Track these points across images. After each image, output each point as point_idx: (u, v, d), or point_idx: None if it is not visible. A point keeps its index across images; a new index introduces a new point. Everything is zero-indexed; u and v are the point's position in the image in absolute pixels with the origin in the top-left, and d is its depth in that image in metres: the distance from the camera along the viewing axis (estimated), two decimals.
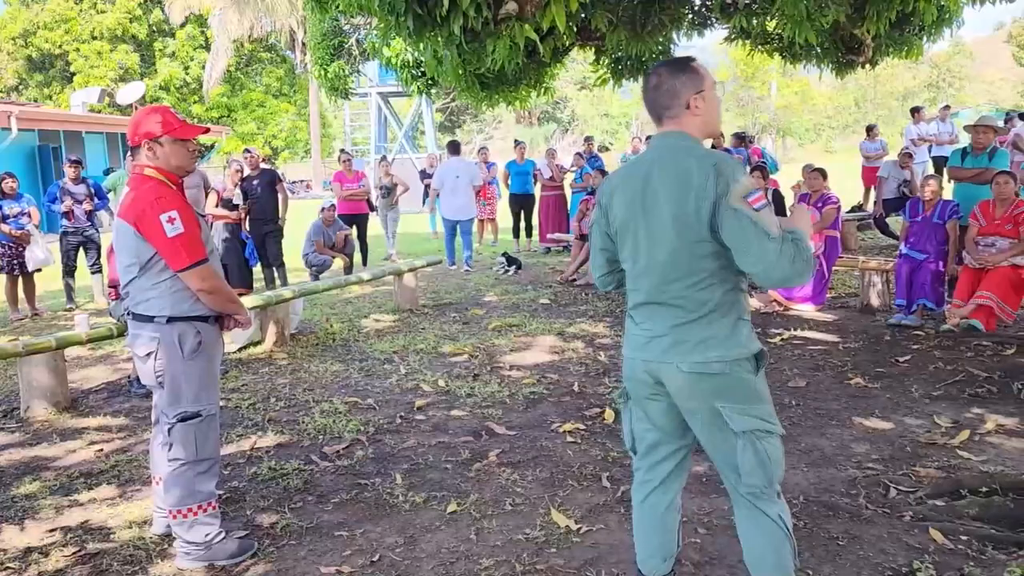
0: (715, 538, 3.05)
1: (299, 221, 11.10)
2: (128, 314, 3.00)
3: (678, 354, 2.19)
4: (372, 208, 11.36)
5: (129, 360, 5.65)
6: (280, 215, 8.82)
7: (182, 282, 2.89)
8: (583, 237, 9.15)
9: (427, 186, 14.09)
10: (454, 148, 11.30)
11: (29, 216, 8.18)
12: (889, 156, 12.39)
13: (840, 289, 7.78)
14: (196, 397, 2.96)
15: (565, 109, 48.03)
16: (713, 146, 11.31)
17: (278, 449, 4.21)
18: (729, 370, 2.16)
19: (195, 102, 34.58)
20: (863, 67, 7.60)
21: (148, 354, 2.93)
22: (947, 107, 14.28)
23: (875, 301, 6.91)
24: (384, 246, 11.92)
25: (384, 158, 14.85)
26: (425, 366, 5.72)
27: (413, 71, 8.53)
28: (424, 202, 15.17)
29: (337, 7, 5.72)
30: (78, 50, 33.01)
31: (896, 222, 9.69)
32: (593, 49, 7.28)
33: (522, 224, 12.15)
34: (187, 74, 34.55)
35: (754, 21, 6.38)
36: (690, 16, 6.86)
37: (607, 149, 34.59)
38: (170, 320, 2.90)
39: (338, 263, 9.80)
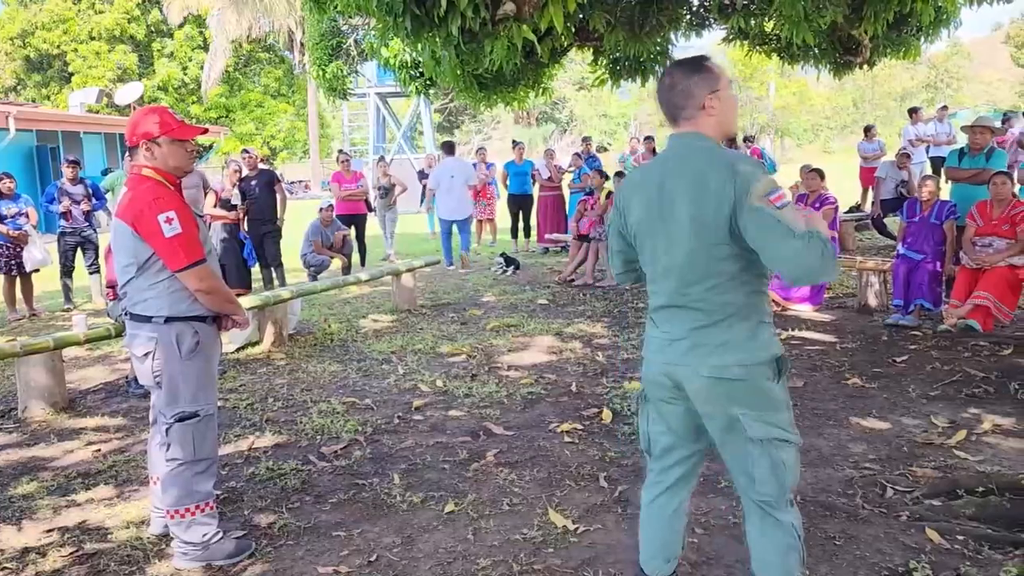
0: (712, 538, 3.05)
1: (298, 221, 11.10)
2: (126, 314, 3.00)
3: (697, 357, 2.17)
4: (370, 208, 11.36)
5: (127, 360, 5.65)
6: (278, 215, 8.83)
7: (180, 282, 2.89)
8: (581, 237, 9.16)
9: (425, 186, 14.10)
10: (449, 148, 11.47)
11: (27, 216, 8.17)
12: (887, 157, 12.40)
13: (838, 289, 7.79)
14: (194, 397, 2.96)
15: (563, 109, 48.06)
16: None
17: (276, 449, 4.21)
18: (748, 375, 2.13)
19: (193, 102, 34.58)
20: (861, 68, 7.62)
21: (146, 354, 2.93)
22: (945, 108, 14.31)
23: (873, 301, 6.92)
24: (382, 246, 11.92)
25: (382, 158, 14.85)
26: (423, 366, 5.72)
27: (411, 71, 8.53)
28: (421, 202, 15.19)
29: (335, 7, 5.72)
30: (76, 50, 33.00)
31: (894, 222, 9.71)
32: (591, 50, 7.29)
33: (520, 224, 12.16)
34: (185, 74, 34.55)
35: (752, 22, 6.40)
36: (688, 17, 6.88)
37: (605, 150, 34.53)
38: (168, 320, 2.90)
39: (336, 263, 9.81)
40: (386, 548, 3.09)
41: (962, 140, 7.25)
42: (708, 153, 2.16)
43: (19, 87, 34.42)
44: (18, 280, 8.28)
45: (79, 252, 8.69)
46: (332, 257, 9.64)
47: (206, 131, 3.45)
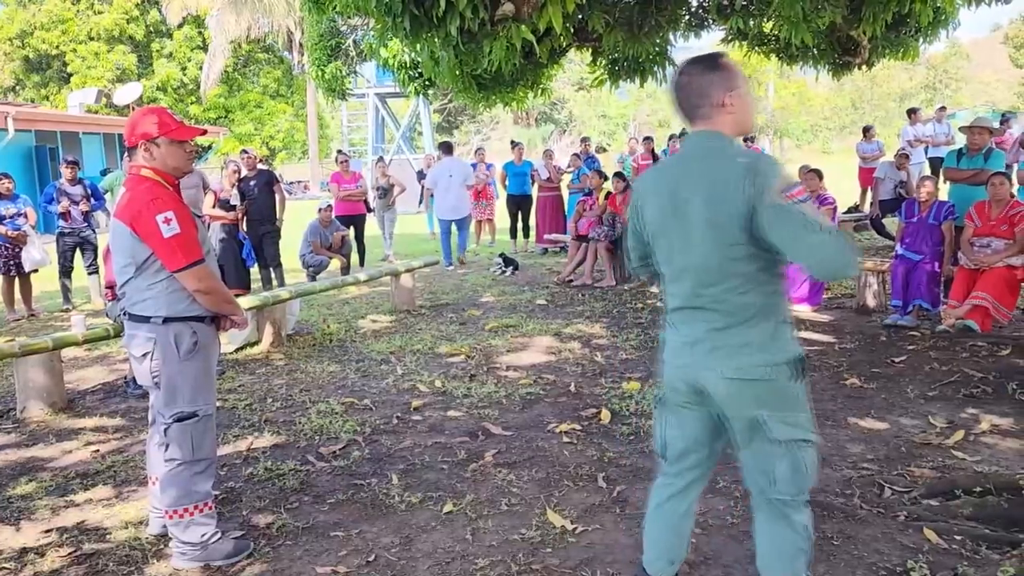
0: (710, 538, 3.06)
1: (297, 222, 11.10)
2: (124, 314, 3.00)
3: (718, 359, 2.14)
4: (369, 209, 11.37)
5: (126, 361, 5.65)
6: (277, 216, 8.83)
7: (178, 282, 2.89)
8: (580, 238, 9.16)
9: (424, 187, 14.11)
10: (447, 148, 11.54)
11: (25, 217, 8.17)
12: (886, 157, 12.42)
13: (836, 290, 7.79)
14: (192, 397, 2.96)
15: (563, 110, 48.07)
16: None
17: (274, 449, 4.21)
18: (771, 376, 2.11)
19: (192, 103, 34.57)
20: (859, 68, 7.63)
21: (144, 354, 2.93)
22: (943, 108, 14.33)
23: (871, 302, 6.93)
24: (381, 247, 11.92)
25: (381, 159, 14.85)
26: (422, 367, 5.73)
27: (410, 72, 8.55)
28: (420, 203, 15.19)
29: (334, 8, 5.73)
30: (75, 51, 32.99)
31: (892, 223, 9.71)
32: (590, 50, 7.30)
33: (519, 225, 12.16)
34: (184, 75, 34.54)
35: (751, 22, 6.41)
36: (687, 17, 6.89)
37: (604, 150, 34.57)
38: (166, 320, 2.90)
39: (335, 264, 9.81)
40: (384, 548, 3.09)
41: (960, 141, 7.25)
42: (725, 152, 2.13)
43: (18, 87, 34.42)
44: (17, 280, 8.28)
45: (78, 252, 8.69)
46: (331, 257, 9.64)
47: (205, 132, 3.46)
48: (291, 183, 30.96)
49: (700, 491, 2.43)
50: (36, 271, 8.40)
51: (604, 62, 7.32)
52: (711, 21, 6.94)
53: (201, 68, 33.01)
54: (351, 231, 10.32)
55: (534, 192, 12.10)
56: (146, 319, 2.91)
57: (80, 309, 8.48)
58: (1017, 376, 4.82)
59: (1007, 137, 11.17)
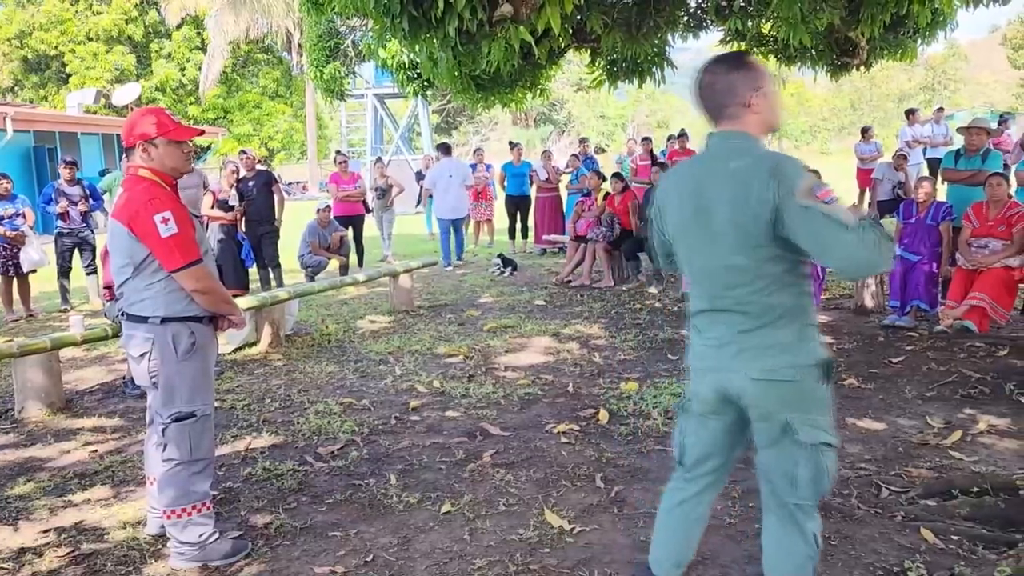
0: (708, 538, 3.04)
1: (295, 222, 11.10)
2: (122, 315, 3.00)
3: (745, 361, 2.11)
4: (368, 209, 11.37)
5: (124, 361, 5.64)
6: (276, 216, 8.83)
7: (176, 283, 2.89)
8: (579, 239, 9.17)
9: (423, 187, 14.13)
10: (446, 149, 11.59)
11: (24, 217, 8.17)
12: (884, 158, 12.44)
13: (834, 290, 7.80)
14: (190, 398, 2.97)
15: (561, 111, 48.12)
16: None
17: (273, 450, 4.21)
18: (799, 377, 2.09)
19: (191, 103, 34.58)
20: (858, 69, 7.64)
21: (142, 354, 2.93)
22: (941, 109, 14.36)
23: (869, 302, 6.94)
24: (380, 247, 11.93)
25: (379, 159, 14.86)
26: (420, 367, 5.73)
27: (409, 73, 8.56)
28: (418, 203, 15.19)
29: (333, 9, 5.74)
30: (74, 51, 32.99)
31: (890, 223, 9.71)
32: (589, 51, 7.30)
33: (518, 225, 12.17)
34: (183, 75, 34.55)
35: (749, 23, 6.41)
36: (685, 18, 6.90)
37: (603, 151, 34.55)
38: (164, 321, 2.90)
39: (334, 264, 9.81)
40: (382, 548, 3.09)
41: (958, 141, 7.26)
42: (749, 153, 2.10)
43: (17, 88, 34.41)
44: (15, 281, 8.28)
45: (76, 253, 8.68)
46: (329, 258, 9.65)
47: (203, 132, 3.46)
48: (290, 184, 30.96)
49: (714, 497, 2.41)
50: (34, 271, 8.40)
51: (602, 63, 7.32)
52: (709, 22, 6.94)
53: (200, 69, 33.00)
54: (350, 232, 10.32)
55: (533, 193, 12.10)
56: (144, 319, 2.91)
57: (78, 309, 8.47)
58: (1015, 376, 4.82)
59: (1005, 138, 11.18)
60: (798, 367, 2.09)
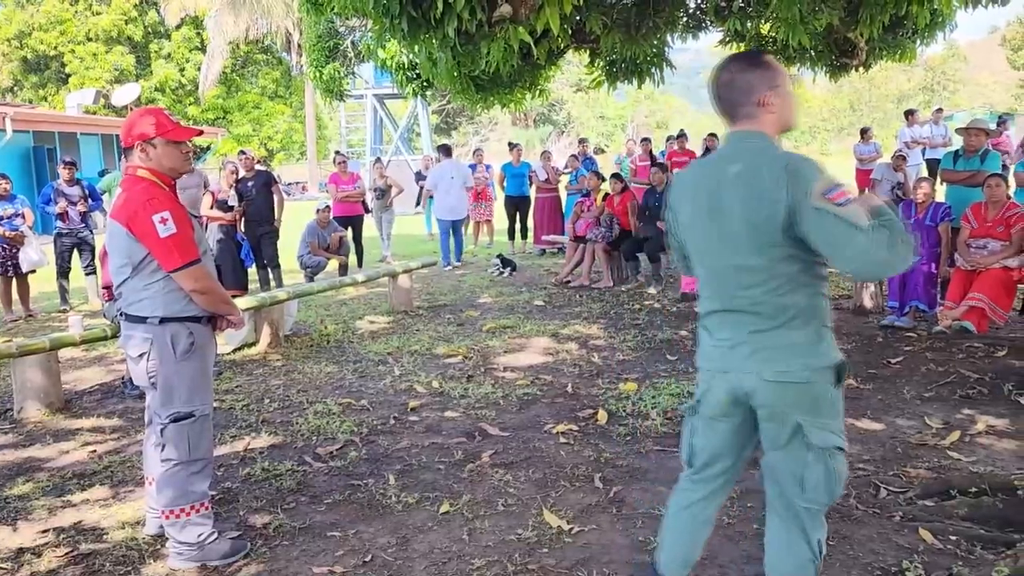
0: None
1: (295, 223, 11.11)
2: (121, 315, 3.00)
3: (758, 362, 2.09)
4: (367, 210, 11.37)
5: (123, 361, 5.64)
6: (275, 217, 8.84)
7: (175, 283, 2.89)
8: (578, 239, 9.17)
9: (423, 188, 14.13)
10: (447, 151, 11.61)
11: (23, 217, 8.17)
12: (883, 159, 12.45)
13: (833, 291, 7.81)
14: (189, 398, 2.97)
15: (561, 111, 48.15)
16: (707, 149, 11.34)
17: (271, 450, 4.21)
18: (813, 380, 2.07)
19: (191, 104, 34.58)
20: (857, 70, 7.65)
21: (141, 355, 2.93)
22: (940, 110, 14.38)
23: (868, 303, 6.94)
24: (379, 248, 11.93)
25: (379, 160, 14.87)
26: (419, 367, 5.73)
27: (408, 73, 8.57)
28: (418, 204, 15.19)
29: (333, 9, 5.73)
30: (73, 51, 32.98)
31: None
32: (588, 51, 7.31)
33: (517, 226, 12.17)
34: (183, 76, 34.55)
35: (748, 24, 6.41)
36: (684, 19, 6.90)
37: (602, 151, 34.62)
38: (163, 321, 2.90)
39: (333, 264, 9.81)
40: (381, 548, 3.09)
41: (958, 142, 7.27)
42: (765, 153, 2.08)
43: (16, 88, 34.41)
44: (14, 281, 8.27)
45: (75, 253, 8.68)
46: (329, 258, 9.65)
47: (201, 132, 3.46)
48: (289, 184, 30.99)
49: (723, 500, 2.40)
50: (34, 272, 8.39)
51: (602, 63, 7.33)
52: (709, 23, 6.95)
53: (199, 69, 33.01)
54: (349, 232, 10.32)
55: (532, 193, 12.11)
56: (143, 319, 2.91)
57: (77, 310, 8.47)
58: (1013, 377, 4.83)
59: (1004, 139, 11.20)
60: (813, 369, 2.07)
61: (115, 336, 5.16)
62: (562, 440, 4.16)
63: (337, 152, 13.35)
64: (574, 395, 4.96)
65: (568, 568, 2.89)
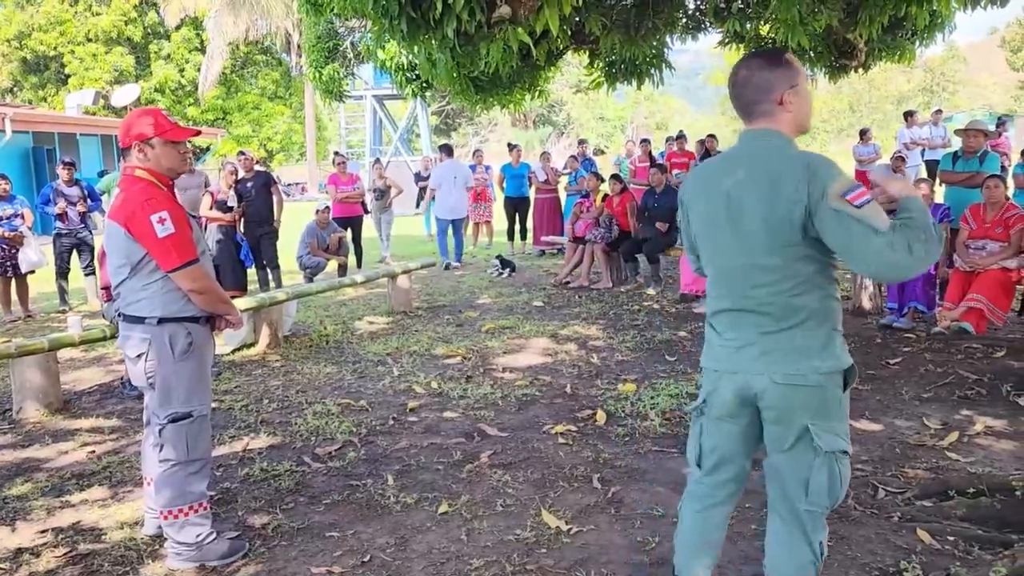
0: None
1: (294, 223, 11.11)
2: (119, 315, 3.00)
3: (768, 364, 2.07)
4: (366, 210, 11.38)
5: (122, 362, 5.65)
6: (275, 217, 8.84)
7: (173, 283, 2.89)
8: (577, 240, 9.18)
9: (422, 189, 14.14)
10: (449, 151, 11.63)
11: (22, 218, 8.17)
12: (882, 160, 12.45)
13: None
14: (187, 398, 2.97)
15: (560, 112, 48.15)
16: (706, 151, 11.35)
17: (270, 450, 4.21)
18: (823, 383, 2.05)
19: (190, 104, 34.57)
20: (856, 71, 7.65)
21: (139, 355, 2.93)
22: (939, 111, 14.38)
23: (867, 303, 6.94)
24: (378, 248, 11.93)
25: (378, 160, 14.87)
26: (418, 368, 5.73)
27: (408, 74, 8.56)
28: (418, 204, 15.19)
29: (332, 10, 5.74)
30: (73, 52, 32.96)
31: None
32: (587, 52, 7.30)
33: (517, 227, 12.18)
34: (182, 76, 34.54)
35: (747, 25, 6.42)
36: (684, 20, 6.89)
37: (602, 152, 34.61)
38: (161, 321, 2.90)
39: (332, 265, 9.81)
40: (380, 549, 3.09)
41: (957, 143, 7.27)
42: (782, 152, 2.06)
43: (16, 89, 34.39)
44: (13, 281, 8.27)
45: (75, 254, 8.68)
46: (328, 259, 9.65)
47: (199, 133, 3.47)
48: (289, 185, 30.99)
49: (735, 503, 2.38)
50: (33, 272, 8.39)
51: (601, 64, 7.32)
52: (708, 24, 6.94)
53: (199, 70, 32.98)
54: (348, 233, 10.33)
55: (531, 194, 12.12)
56: (141, 320, 2.91)
57: (76, 310, 8.47)
58: (1011, 378, 4.83)
59: (1003, 140, 11.20)
60: (823, 373, 2.05)
61: (114, 336, 5.16)
62: (561, 441, 4.16)
63: (336, 153, 13.35)
64: (573, 396, 4.96)
65: (566, 568, 2.89)
